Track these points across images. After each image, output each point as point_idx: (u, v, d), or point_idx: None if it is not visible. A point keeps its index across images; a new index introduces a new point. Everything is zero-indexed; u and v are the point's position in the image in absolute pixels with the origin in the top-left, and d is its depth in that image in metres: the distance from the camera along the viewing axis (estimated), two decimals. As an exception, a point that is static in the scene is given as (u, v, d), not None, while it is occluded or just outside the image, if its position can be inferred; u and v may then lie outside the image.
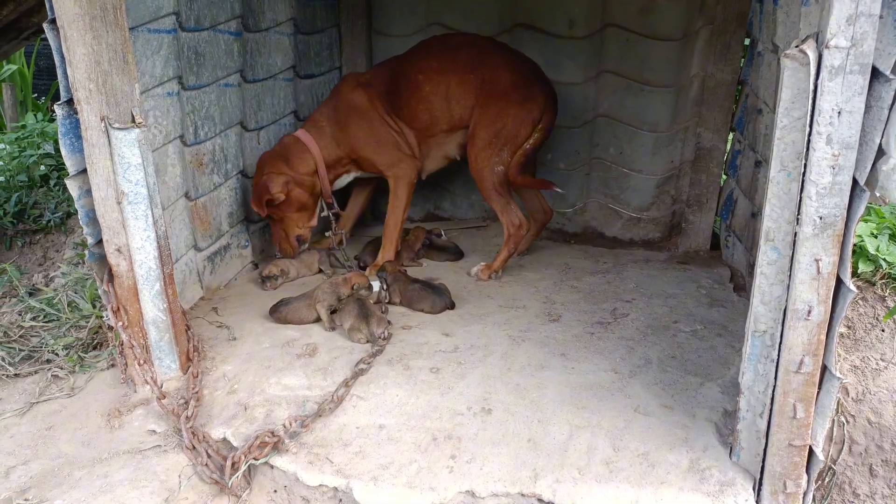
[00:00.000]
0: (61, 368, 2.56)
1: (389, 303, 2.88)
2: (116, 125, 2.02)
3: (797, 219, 1.55)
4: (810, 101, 1.46)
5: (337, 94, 3.44)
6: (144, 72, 2.46)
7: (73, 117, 2.03)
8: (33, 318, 2.99)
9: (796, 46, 1.50)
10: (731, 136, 3.68)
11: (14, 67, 6.72)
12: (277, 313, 2.72)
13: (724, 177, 3.76)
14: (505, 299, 3.04)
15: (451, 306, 2.89)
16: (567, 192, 4.01)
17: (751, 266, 3.14)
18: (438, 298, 2.87)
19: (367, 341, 2.53)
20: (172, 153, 2.71)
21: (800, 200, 1.53)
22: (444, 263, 3.56)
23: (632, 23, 3.60)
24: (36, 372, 2.60)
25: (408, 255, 3.44)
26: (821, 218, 1.51)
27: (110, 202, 2.09)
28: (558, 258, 3.68)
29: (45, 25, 1.95)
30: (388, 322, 2.64)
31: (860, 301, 3.24)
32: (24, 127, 5.57)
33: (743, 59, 3.45)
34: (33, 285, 3.67)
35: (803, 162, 1.50)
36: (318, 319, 2.69)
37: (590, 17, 3.65)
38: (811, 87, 1.45)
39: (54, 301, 2.87)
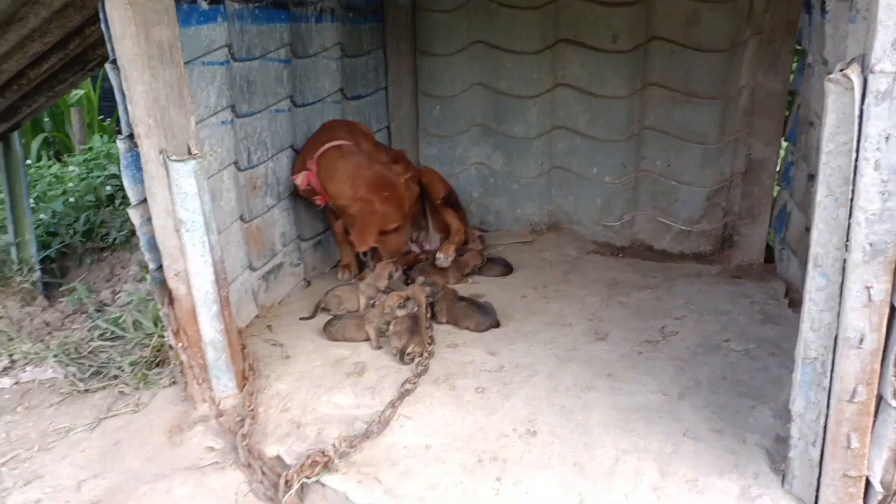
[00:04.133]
0: (127, 385, 2.70)
1: (435, 320, 2.90)
2: (174, 157, 2.13)
3: (846, 245, 1.51)
4: (856, 126, 1.43)
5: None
6: (200, 103, 2.58)
7: (134, 151, 2.15)
8: (101, 335, 3.18)
9: (840, 70, 1.47)
10: (783, 146, 3.58)
11: (81, 92, 7.11)
12: (330, 327, 2.80)
13: (777, 188, 3.66)
14: (551, 316, 3.04)
15: (497, 324, 2.91)
16: (613, 204, 3.98)
17: (806, 281, 3.05)
18: (484, 317, 2.90)
19: (399, 352, 2.59)
20: (227, 178, 2.83)
21: (848, 226, 1.50)
22: (492, 279, 3.57)
23: (677, 35, 3.56)
24: (104, 388, 2.75)
25: (455, 275, 3.47)
26: (871, 245, 1.47)
27: (169, 230, 2.20)
28: (606, 273, 3.65)
29: (106, 66, 2.08)
30: (431, 340, 2.68)
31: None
32: (90, 149, 5.88)
33: (794, 69, 3.37)
34: (101, 302, 3.88)
35: (851, 187, 1.47)
36: (367, 339, 2.76)
37: (634, 30, 3.62)
38: (856, 112, 1.42)
39: (120, 320, 3.03)
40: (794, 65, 3.39)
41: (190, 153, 2.20)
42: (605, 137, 3.86)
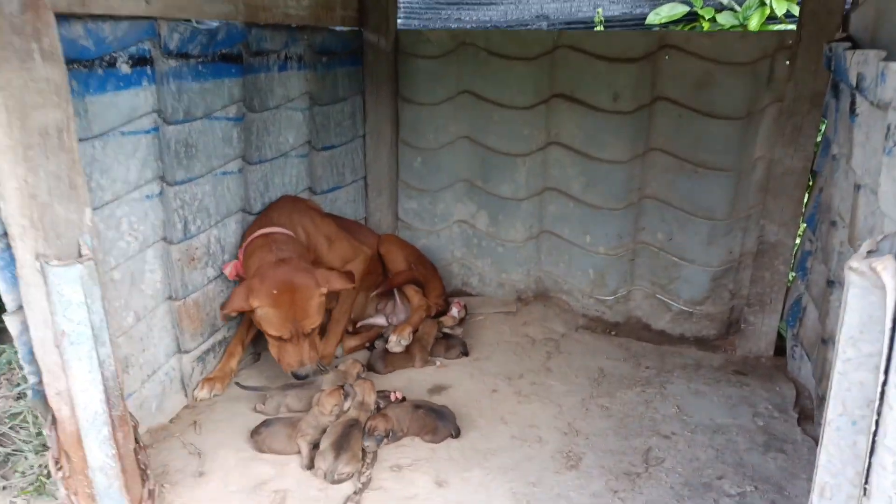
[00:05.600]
0: (23, 490, 2.36)
1: (390, 437, 2.48)
2: (54, 263, 1.78)
3: (864, 488, 1.11)
4: (887, 339, 1.03)
5: None
6: (116, 178, 2.24)
7: (9, 250, 1.81)
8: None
9: (868, 252, 1.07)
10: (801, 229, 3.16)
11: None
12: (257, 436, 2.43)
13: (791, 275, 3.24)
14: (520, 426, 2.65)
15: (456, 434, 2.52)
16: (608, 276, 3.58)
17: (821, 398, 2.63)
18: (442, 426, 2.51)
19: (325, 474, 2.22)
20: (152, 258, 2.48)
21: (869, 464, 1.09)
22: (463, 363, 3.19)
23: (686, 97, 3.15)
24: (3, 489, 2.42)
25: (421, 356, 3.09)
26: (900, 497, 1.06)
27: (49, 344, 1.85)
28: (593, 359, 3.25)
29: (-26, 156, 1.73)
30: (366, 463, 2.30)
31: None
32: None
33: (818, 145, 2.94)
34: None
35: (875, 416, 1.07)
36: (299, 451, 2.39)
37: (637, 90, 3.22)
38: (889, 320, 1.02)
39: (20, 417, 2.70)
40: (819, 140, 2.96)
41: (80, 254, 1.86)
42: (601, 204, 3.46)
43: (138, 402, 2.48)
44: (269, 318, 2.61)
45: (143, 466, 2.15)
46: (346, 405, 2.44)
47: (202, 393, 2.78)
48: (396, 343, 3.02)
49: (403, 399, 2.63)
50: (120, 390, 2.00)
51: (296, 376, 2.68)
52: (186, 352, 2.74)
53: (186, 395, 2.75)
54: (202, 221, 2.72)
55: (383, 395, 2.62)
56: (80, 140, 2.08)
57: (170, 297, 2.62)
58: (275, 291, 2.57)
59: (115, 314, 2.34)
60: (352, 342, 3.25)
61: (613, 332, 3.60)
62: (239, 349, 2.96)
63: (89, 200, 1.90)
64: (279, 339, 2.65)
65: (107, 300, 2.27)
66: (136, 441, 2.17)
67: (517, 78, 3.43)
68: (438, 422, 2.53)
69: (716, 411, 2.78)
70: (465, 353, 3.22)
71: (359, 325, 3.40)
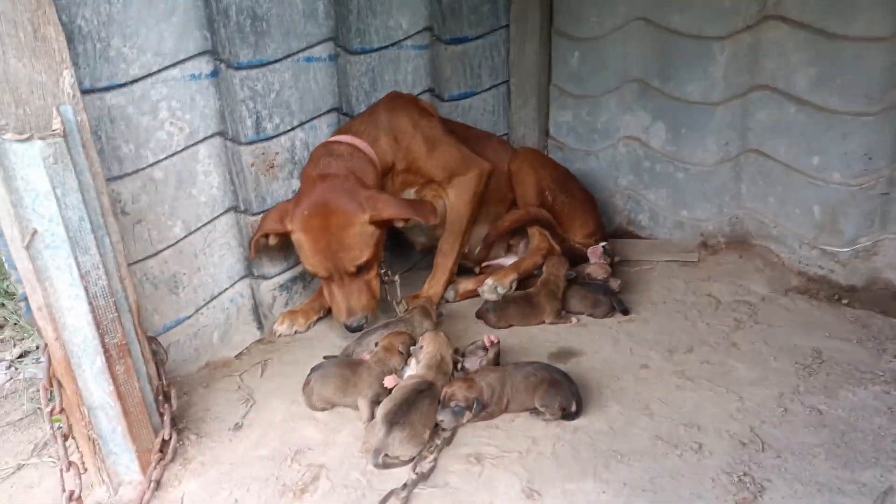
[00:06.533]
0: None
1: (483, 409, 1.79)
2: (8, 136, 1.35)
3: None
4: None
5: None
6: (145, 48, 1.78)
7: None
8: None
9: None
10: None
11: None
12: (306, 387, 1.89)
13: None
14: (672, 422, 1.80)
15: (572, 414, 1.76)
16: (844, 218, 2.46)
17: None
18: (558, 393, 1.77)
19: (372, 452, 1.62)
20: (205, 157, 2.03)
21: None
22: (608, 324, 2.37)
23: None
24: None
25: (551, 306, 2.33)
26: None
27: (17, 245, 1.46)
28: (807, 337, 2.23)
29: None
30: (434, 444, 1.66)
31: None
32: None
33: None
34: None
35: None
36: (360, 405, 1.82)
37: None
38: None
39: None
40: None
41: (51, 128, 1.41)
42: (841, 108, 2.34)
43: (193, 331, 2.09)
44: (301, 248, 2.11)
45: (161, 411, 1.74)
46: (411, 367, 1.82)
47: (282, 328, 2.34)
48: (491, 290, 2.32)
49: (498, 346, 1.93)
50: (117, 312, 1.57)
51: (347, 328, 2.15)
52: (263, 277, 2.30)
53: (261, 329, 2.33)
54: (281, 119, 2.22)
55: (476, 345, 1.94)
56: (87, -9, 1.65)
57: (236, 209, 2.18)
58: (306, 213, 2.05)
59: (157, 221, 1.94)
60: (468, 285, 2.59)
61: (845, 301, 2.49)
62: None
63: (67, 62, 1.44)
64: (324, 278, 2.15)
65: (142, 203, 1.88)
66: (160, 378, 1.77)
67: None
68: (555, 375, 1.79)
69: None
70: (624, 312, 2.39)
71: (484, 264, 2.73)
